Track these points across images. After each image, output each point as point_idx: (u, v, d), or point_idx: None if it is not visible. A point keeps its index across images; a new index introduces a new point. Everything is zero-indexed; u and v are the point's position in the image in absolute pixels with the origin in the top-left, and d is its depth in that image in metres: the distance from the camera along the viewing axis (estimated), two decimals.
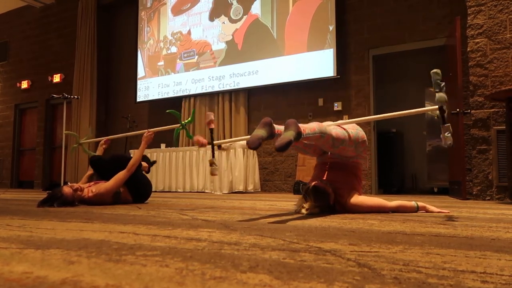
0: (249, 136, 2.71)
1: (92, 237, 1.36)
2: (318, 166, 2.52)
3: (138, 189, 3.32)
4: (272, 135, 2.02)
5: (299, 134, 1.91)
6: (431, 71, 2.01)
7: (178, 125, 3.22)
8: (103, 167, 3.27)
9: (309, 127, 2.04)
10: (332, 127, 2.23)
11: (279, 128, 2.10)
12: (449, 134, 1.98)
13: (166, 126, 3.46)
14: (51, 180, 8.63)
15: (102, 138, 3.71)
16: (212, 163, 2.55)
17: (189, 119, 3.24)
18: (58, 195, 2.85)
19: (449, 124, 2.00)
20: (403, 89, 7.09)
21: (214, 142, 2.67)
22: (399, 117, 2.40)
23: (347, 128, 2.31)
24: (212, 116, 2.59)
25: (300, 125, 1.97)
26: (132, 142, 7.55)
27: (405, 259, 0.98)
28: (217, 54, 6.74)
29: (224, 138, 6.58)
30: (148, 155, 6.51)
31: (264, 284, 0.74)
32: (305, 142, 2.20)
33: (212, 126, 2.62)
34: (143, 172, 3.55)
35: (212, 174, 2.56)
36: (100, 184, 3.10)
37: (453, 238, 1.34)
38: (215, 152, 2.68)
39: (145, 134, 3.31)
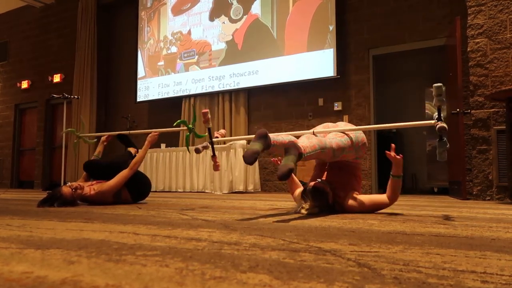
0: (247, 136, 2.71)
1: (92, 237, 1.36)
2: (318, 167, 2.53)
3: (138, 188, 3.32)
4: (268, 146, 2.02)
5: (300, 155, 1.90)
6: (434, 85, 1.98)
7: (185, 128, 3.21)
8: (98, 171, 3.25)
9: (310, 145, 2.01)
10: (332, 136, 2.21)
11: (275, 138, 2.09)
12: (445, 151, 1.98)
13: (166, 126, 3.46)
14: (51, 180, 8.63)
15: (104, 133, 3.71)
16: (204, 147, 2.57)
17: (193, 120, 3.21)
18: (57, 195, 2.85)
19: (446, 141, 1.99)
20: (403, 89, 7.09)
21: (213, 139, 2.70)
22: (399, 120, 2.41)
23: (346, 134, 2.29)
24: (208, 114, 2.60)
25: (300, 144, 1.95)
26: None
27: (405, 259, 0.98)
28: (217, 54, 6.74)
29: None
30: (149, 155, 6.51)
31: (264, 284, 0.74)
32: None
33: (210, 125, 2.64)
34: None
35: (215, 169, 2.59)
36: (102, 183, 3.11)
37: (453, 238, 1.34)
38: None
39: (150, 135, 3.31)
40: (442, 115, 2.04)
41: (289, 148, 1.91)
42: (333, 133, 2.28)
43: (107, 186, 3.05)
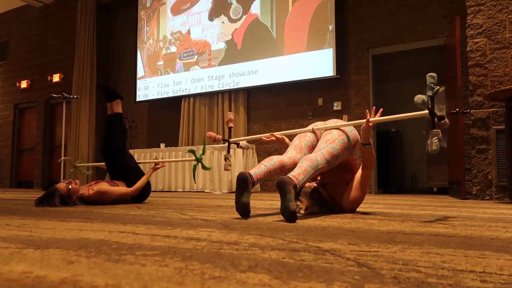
0: (262, 135, 2.68)
1: (91, 237, 1.35)
2: None
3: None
4: (253, 185, 1.96)
5: (295, 187, 1.84)
6: (427, 74, 1.98)
7: (194, 159, 3.32)
8: (117, 166, 3.36)
9: (301, 170, 1.92)
10: (322, 145, 2.16)
11: (257, 172, 2.00)
12: (436, 140, 1.91)
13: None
14: (50, 180, 8.63)
15: (100, 163, 3.79)
16: (226, 158, 2.60)
17: (201, 152, 3.31)
18: (53, 190, 2.87)
19: (438, 130, 1.93)
20: (402, 89, 7.10)
21: (230, 139, 2.71)
22: (398, 120, 2.40)
23: (337, 137, 2.21)
24: (231, 115, 2.64)
25: (291, 175, 1.87)
26: (132, 142, 7.55)
27: (404, 259, 0.98)
28: (217, 54, 6.74)
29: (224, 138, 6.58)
30: (148, 155, 6.51)
31: (264, 284, 0.74)
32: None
33: (231, 125, 2.65)
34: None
35: (225, 169, 2.62)
36: (102, 184, 3.11)
37: (452, 238, 1.34)
38: (230, 149, 2.75)
39: (155, 166, 3.46)
40: (435, 93, 2.00)
41: (281, 184, 1.81)
42: (324, 140, 2.22)
43: (106, 190, 3.05)
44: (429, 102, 1.97)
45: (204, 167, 3.34)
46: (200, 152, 3.30)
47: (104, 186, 3.08)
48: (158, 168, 3.50)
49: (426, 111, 2.00)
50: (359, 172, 2.30)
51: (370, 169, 2.28)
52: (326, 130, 2.33)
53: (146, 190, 3.44)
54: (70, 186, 2.95)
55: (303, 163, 1.99)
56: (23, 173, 9.41)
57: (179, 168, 6.32)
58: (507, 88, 3.53)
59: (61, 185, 2.94)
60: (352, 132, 2.29)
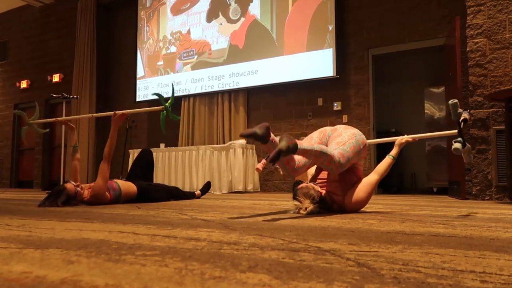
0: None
1: (91, 237, 1.35)
2: (318, 169, 2.52)
3: (148, 190, 3.40)
4: (268, 135, 2.05)
5: (295, 145, 1.91)
6: (449, 103, 2.24)
7: (161, 107, 3.12)
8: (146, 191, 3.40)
9: (307, 142, 2.02)
10: (334, 147, 2.18)
11: (273, 137, 2.10)
12: (468, 154, 2.32)
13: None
14: (50, 180, 8.63)
15: (52, 119, 3.66)
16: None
17: (170, 100, 3.12)
18: (61, 188, 2.87)
19: (469, 146, 2.30)
20: (402, 89, 7.10)
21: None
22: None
23: (347, 140, 2.24)
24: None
25: (297, 141, 1.97)
26: (132, 142, 7.55)
27: (404, 259, 0.98)
28: (216, 54, 6.74)
29: (224, 138, 6.58)
30: None
31: (264, 284, 0.74)
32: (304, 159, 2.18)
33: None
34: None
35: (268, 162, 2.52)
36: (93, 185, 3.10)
37: (452, 238, 1.34)
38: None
39: (113, 117, 3.12)
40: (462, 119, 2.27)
41: (284, 136, 1.92)
42: (335, 142, 2.25)
43: (94, 186, 3.04)
44: (458, 128, 2.30)
45: (172, 116, 3.11)
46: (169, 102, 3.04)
47: (93, 186, 3.06)
48: (119, 118, 3.10)
49: (455, 131, 2.34)
50: (370, 176, 2.38)
51: (381, 177, 2.43)
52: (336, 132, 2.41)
53: (153, 198, 3.45)
54: (77, 189, 2.95)
55: (311, 141, 2.17)
56: (23, 173, 9.41)
57: (179, 169, 6.32)
58: (507, 88, 3.53)
59: (70, 186, 2.92)
60: (361, 137, 2.34)
